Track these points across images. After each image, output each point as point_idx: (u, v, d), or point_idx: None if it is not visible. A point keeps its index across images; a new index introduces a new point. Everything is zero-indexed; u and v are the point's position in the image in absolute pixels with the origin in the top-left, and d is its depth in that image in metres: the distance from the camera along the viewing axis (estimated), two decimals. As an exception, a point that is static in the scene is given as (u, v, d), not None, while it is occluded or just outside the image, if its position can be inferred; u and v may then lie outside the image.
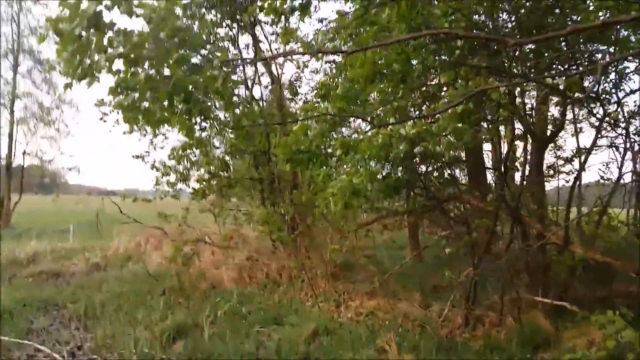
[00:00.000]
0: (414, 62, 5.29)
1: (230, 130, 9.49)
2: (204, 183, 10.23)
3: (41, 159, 22.52)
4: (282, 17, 4.45)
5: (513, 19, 6.57)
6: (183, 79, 4.08)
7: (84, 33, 3.61)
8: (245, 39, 15.50)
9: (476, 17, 6.01)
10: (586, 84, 6.94)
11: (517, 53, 5.90)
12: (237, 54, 10.18)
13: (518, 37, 5.49)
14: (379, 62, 5.25)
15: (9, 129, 21.43)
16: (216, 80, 4.47)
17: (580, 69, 6.47)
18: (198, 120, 6.30)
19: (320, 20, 11.06)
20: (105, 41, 3.73)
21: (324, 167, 5.45)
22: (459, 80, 4.50)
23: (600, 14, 5.59)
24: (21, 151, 21.81)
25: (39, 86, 22.04)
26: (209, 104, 5.52)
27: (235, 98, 6.30)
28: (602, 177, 7.40)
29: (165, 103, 4.34)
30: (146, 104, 4.31)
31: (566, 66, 6.58)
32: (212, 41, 9.58)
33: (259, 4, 9.76)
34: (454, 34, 3.47)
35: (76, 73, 3.85)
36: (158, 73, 3.98)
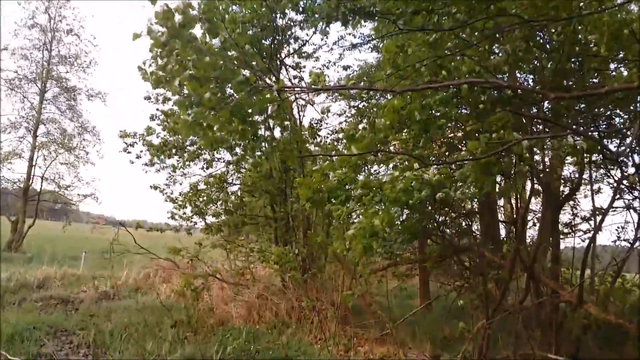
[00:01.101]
0: (437, 113, 5.46)
1: (249, 169, 9.66)
2: (219, 219, 10.35)
3: (58, 184, 22.87)
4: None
5: (534, 79, 6.82)
6: (244, 100, 4.25)
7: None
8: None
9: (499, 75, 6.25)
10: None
11: (536, 111, 6.07)
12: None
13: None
14: (402, 111, 5.41)
15: (30, 152, 21.93)
16: (272, 103, 4.64)
17: (600, 130, 6.64)
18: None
19: (345, 68, 11.45)
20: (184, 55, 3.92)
21: (346, 206, 5.51)
22: (485, 133, 4.62)
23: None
24: (39, 175, 22.23)
25: (63, 112, 22.74)
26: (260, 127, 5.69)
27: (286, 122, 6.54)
28: (618, 237, 7.39)
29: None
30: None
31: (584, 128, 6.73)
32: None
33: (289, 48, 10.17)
34: (499, 84, 3.63)
35: (153, 77, 4.07)
36: (221, 92, 4.15)
